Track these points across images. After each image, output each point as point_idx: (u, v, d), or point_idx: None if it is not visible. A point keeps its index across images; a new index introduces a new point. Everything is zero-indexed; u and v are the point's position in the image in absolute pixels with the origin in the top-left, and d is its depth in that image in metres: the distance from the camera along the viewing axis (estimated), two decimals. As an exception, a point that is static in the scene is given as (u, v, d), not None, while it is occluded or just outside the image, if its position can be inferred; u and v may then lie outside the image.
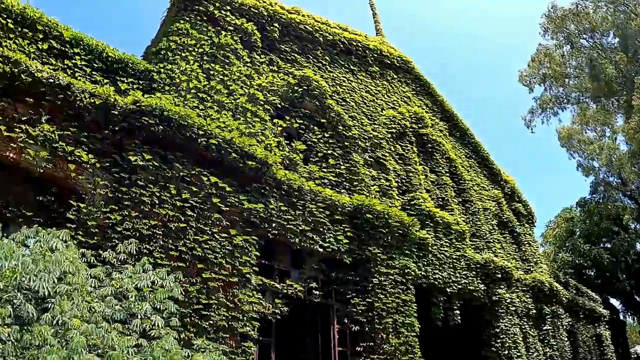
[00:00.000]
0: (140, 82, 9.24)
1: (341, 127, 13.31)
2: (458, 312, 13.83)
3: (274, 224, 9.57)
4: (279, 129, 11.68)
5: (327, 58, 14.46)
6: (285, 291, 9.98)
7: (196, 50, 10.36)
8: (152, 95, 8.37)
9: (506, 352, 14.44)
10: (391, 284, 11.61)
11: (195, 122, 8.11)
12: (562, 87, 23.04)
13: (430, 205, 14.37)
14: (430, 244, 13.54)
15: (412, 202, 14.13)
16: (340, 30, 15.11)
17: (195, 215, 8.01)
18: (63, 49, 8.78)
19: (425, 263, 13.24)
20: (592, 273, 27.26)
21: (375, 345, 10.83)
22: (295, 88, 12.57)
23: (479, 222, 16.56)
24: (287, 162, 11.53)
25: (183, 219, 7.78)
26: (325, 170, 12.42)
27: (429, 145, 16.24)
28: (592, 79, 20.80)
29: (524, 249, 18.48)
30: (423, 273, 13.01)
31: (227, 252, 8.29)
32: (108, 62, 9.19)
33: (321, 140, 12.70)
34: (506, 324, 14.89)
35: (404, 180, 14.59)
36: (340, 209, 11.35)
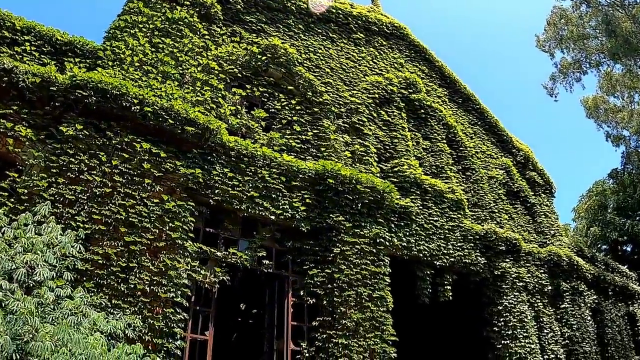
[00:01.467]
0: (87, 61, 9.19)
1: (311, 94, 11.88)
2: (449, 287, 11.88)
3: (217, 190, 8.62)
4: (237, 97, 10.63)
5: (301, 27, 13.11)
6: (229, 260, 8.78)
7: (147, 26, 9.90)
8: (94, 72, 8.17)
9: (510, 331, 12.26)
10: (357, 254, 9.95)
11: (130, 92, 7.85)
12: (581, 50, 19.90)
13: (417, 172, 12.45)
14: (414, 213, 11.66)
15: (395, 169, 12.28)
16: (318, -5, 13.54)
17: (124, 181, 7.67)
18: (14, 37, 8.96)
19: (408, 233, 11.39)
20: (629, 248, 23.69)
21: (334, 320, 9.23)
22: (259, 57, 11.46)
23: (481, 192, 14.36)
24: (245, 130, 10.47)
25: (110, 184, 7.52)
26: (288, 136, 11.00)
27: (422, 111, 14.26)
28: (608, 35, 17.66)
29: (539, 221, 15.97)
30: (404, 244, 11.19)
31: (156, 217, 7.72)
32: (57, 46, 9.32)
33: (286, 108, 11.39)
34: (511, 301, 12.68)
35: (387, 147, 12.80)
36: (300, 175, 9.94)
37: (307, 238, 9.81)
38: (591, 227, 23.59)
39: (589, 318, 14.86)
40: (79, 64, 8.97)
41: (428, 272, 11.54)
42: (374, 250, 10.26)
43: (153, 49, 9.55)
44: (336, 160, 11.14)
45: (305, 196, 9.85)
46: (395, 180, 12.13)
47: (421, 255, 11.43)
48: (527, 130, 62.01)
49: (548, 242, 15.63)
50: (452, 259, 12.07)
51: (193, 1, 10.85)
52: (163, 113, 8.07)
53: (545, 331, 13.69)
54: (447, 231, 12.30)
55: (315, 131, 11.48)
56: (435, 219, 12.20)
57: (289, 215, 9.50)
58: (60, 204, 7.08)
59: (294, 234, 9.72)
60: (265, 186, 9.33)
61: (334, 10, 13.98)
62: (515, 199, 15.72)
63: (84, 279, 6.72)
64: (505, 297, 12.66)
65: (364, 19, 14.73)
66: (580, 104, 22.80)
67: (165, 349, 7.23)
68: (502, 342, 12.15)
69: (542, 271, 14.44)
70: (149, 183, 7.77)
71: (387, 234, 10.73)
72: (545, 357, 13.37)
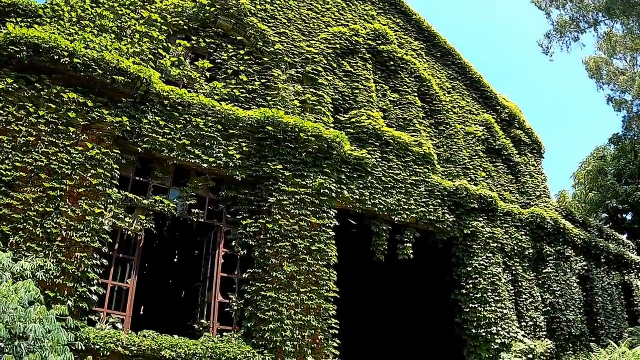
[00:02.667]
0: (28, 20, 8.63)
1: (262, 44, 10.68)
2: (409, 244, 10.45)
3: (146, 139, 7.93)
4: (180, 48, 9.69)
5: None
6: (156, 208, 7.93)
7: None
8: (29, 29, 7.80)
9: (479, 294, 10.78)
10: (296, 205, 8.70)
11: (61, 45, 7.52)
12: (579, 8, 17.59)
13: (378, 124, 10.98)
14: (370, 165, 10.24)
15: (353, 120, 10.83)
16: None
17: (49, 130, 7.31)
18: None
19: (362, 185, 10.00)
20: (629, 217, 21.39)
21: (264, 273, 8.03)
22: (207, 8, 10.28)
23: (454, 147, 12.77)
24: (187, 80, 9.53)
25: (35, 133, 7.21)
26: (233, 86, 9.88)
27: (391, 63, 12.73)
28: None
29: (523, 181, 14.23)
30: (356, 197, 9.80)
31: (78, 164, 7.25)
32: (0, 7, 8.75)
33: (234, 58, 10.26)
34: (482, 262, 11.17)
35: (347, 98, 11.37)
36: (239, 124, 8.90)
37: (243, 187, 8.74)
38: (590, 193, 21.38)
39: (575, 285, 13.18)
40: (20, 24, 8.32)
41: (384, 228, 10.16)
42: (317, 201, 8.97)
43: (93, 4, 9.01)
44: (283, 109, 9.81)
45: (243, 144, 8.82)
46: (351, 131, 10.74)
47: (376, 209, 10.04)
48: (525, 94, 57.82)
49: (532, 203, 13.90)
50: (415, 215, 10.62)
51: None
52: (93, 64, 7.68)
53: (524, 296, 12.13)
54: (409, 185, 10.84)
55: (263, 80, 10.29)
56: (396, 172, 10.75)
57: (223, 163, 8.51)
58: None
59: (229, 183, 8.66)
60: (199, 134, 8.47)
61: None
62: (497, 157, 14.02)
63: (3, 223, 6.55)
64: (475, 258, 11.15)
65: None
66: (581, 64, 20.62)
67: (78, 293, 6.67)
68: (470, 305, 10.71)
69: (522, 233, 12.80)
70: (74, 132, 7.41)
71: (334, 185, 9.39)
72: (523, 323, 11.83)
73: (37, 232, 6.66)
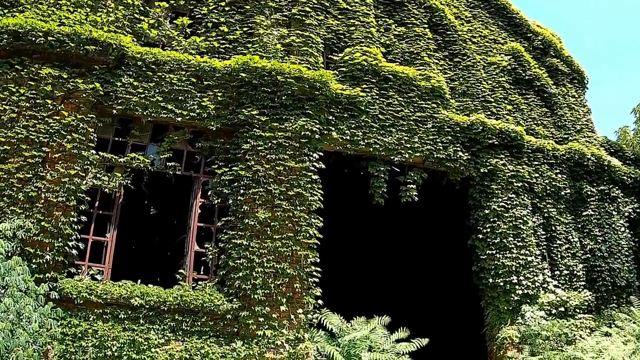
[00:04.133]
0: (13, 10, 8.48)
1: None
2: (413, 186, 9.00)
3: (120, 100, 7.61)
4: (159, 10, 9.02)
5: None
6: (134, 165, 7.59)
7: None
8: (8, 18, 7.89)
9: (498, 239, 9.10)
10: (271, 150, 7.67)
11: (37, 27, 7.53)
12: None
13: (374, 59, 9.37)
14: (364, 103, 8.78)
15: (346, 58, 9.31)
16: None
17: (29, 105, 7.32)
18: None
19: (354, 125, 8.63)
20: None
21: (237, 220, 7.16)
22: None
23: (472, 79, 10.70)
24: (166, 40, 8.93)
25: (17, 110, 7.25)
26: (212, 39, 8.97)
27: (396, -8, 10.79)
28: None
29: (560, 114, 11.77)
30: (347, 137, 8.49)
31: (54, 132, 7.23)
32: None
33: (214, 11, 9.28)
34: (502, 204, 9.42)
35: (342, 37, 9.81)
36: (216, 75, 8.13)
37: (219, 137, 8.03)
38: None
39: (623, 229, 10.85)
40: (7, 15, 8.28)
41: (382, 169, 8.77)
42: (297, 145, 7.83)
43: None
44: (265, 55, 8.64)
45: (219, 95, 8.07)
46: (344, 69, 9.24)
47: (371, 149, 8.67)
48: (592, 16, 48.90)
49: (571, 138, 11.48)
50: (419, 154, 9.10)
51: None
52: (66, 39, 7.62)
53: (559, 242, 10.19)
54: (413, 122, 9.26)
55: (245, 29, 9.24)
56: (397, 109, 9.20)
57: (197, 115, 7.88)
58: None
59: (207, 135, 7.98)
60: (172, 90, 7.95)
61: None
62: (528, 89, 11.67)
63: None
64: (494, 200, 9.43)
65: None
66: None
67: (56, 248, 6.64)
68: (487, 252, 9.13)
69: (558, 171, 10.66)
70: (52, 103, 7.41)
71: (319, 126, 8.18)
72: (557, 272, 9.96)
73: (19, 197, 6.84)
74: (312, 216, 7.64)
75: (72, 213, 6.93)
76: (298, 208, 7.48)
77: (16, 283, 5.59)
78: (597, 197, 10.90)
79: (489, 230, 9.30)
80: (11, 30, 7.52)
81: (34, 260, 6.44)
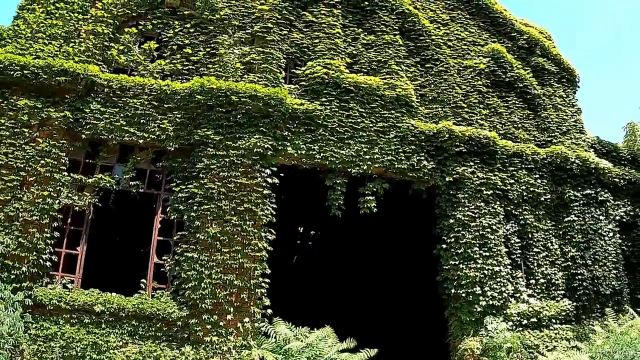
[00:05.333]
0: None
1: (208, 12, 10.16)
2: (372, 197, 9.44)
3: (88, 126, 8.61)
4: (127, 36, 9.84)
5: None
6: (102, 185, 8.61)
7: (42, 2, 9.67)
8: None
9: (461, 250, 9.32)
10: (224, 168, 8.44)
11: (14, 61, 8.43)
12: None
13: (338, 72, 9.85)
14: (321, 117, 9.33)
15: (307, 72, 9.87)
16: None
17: (8, 134, 8.26)
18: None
19: (310, 139, 9.19)
20: None
21: (190, 235, 8.02)
22: None
23: (443, 85, 10.87)
24: (134, 65, 9.78)
25: None
26: (177, 61, 9.76)
27: (366, 3, 11.14)
28: None
29: (544, 115, 11.59)
30: (303, 152, 9.08)
31: (30, 157, 8.20)
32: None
33: (180, 33, 10.04)
34: (469, 213, 9.59)
35: (306, 50, 10.32)
36: (176, 97, 8.95)
37: (178, 156, 8.84)
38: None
39: (611, 234, 10.62)
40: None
41: (339, 182, 9.26)
42: (249, 162, 8.52)
43: (47, 17, 9.55)
44: (224, 74, 9.40)
45: (177, 116, 8.88)
46: (305, 84, 9.80)
47: (327, 162, 9.17)
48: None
49: (555, 140, 11.33)
50: (379, 165, 9.47)
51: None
52: (40, 71, 8.49)
53: (535, 250, 10.23)
54: (374, 133, 9.66)
55: (208, 49, 9.90)
56: (357, 120, 9.63)
57: (156, 137, 8.73)
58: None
59: (167, 155, 8.82)
60: (135, 114, 8.86)
61: None
62: (508, 91, 11.58)
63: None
64: (460, 209, 9.62)
65: None
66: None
67: (31, 261, 7.71)
68: (451, 262, 9.35)
69: (537, 176, 10.64)
70: (28, 131, 8.32)
71: (272, 142, 8.80)
72: (532, 281, 10.04)
73: (0, 217, 7.88)
74: (263, 230, 8.29)
75: (46, 230, 7.91)
76: (247, 223, 8.16)
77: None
78: (581, 201, 10.73)
79: (453, 240, 9.51)
80: None
81: (12, 272, 7.51)
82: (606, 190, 10.96)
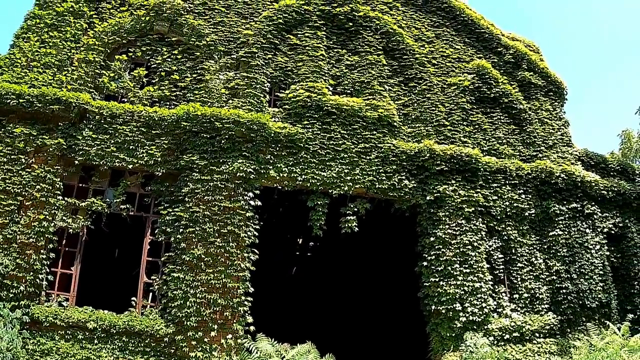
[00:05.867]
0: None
1: (194, 39, 10.79)
2: (353, 217, 9.89)
3: (81, 152, 9.24)
4: (118, 63, 10.44)
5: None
6: (94, 208, 9.25)
7: (39, 26, 10.20)
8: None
9: (442, 267, 9.66)
10: (209, 192, 9.02)
11: (10, 90, 8.99)
12: None
13: (320, 95, 10.36)
14: (303, 140, 9.85)
15: (290, 95, 10.42)
16: None
17: (5, 160, 8.85)
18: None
19: (292, 162, 9.71)
20: None
21: (176, 256, 8.66)
22: (143, 18, 10.70)
23: (426, 104, 11.25)
24: (124, 91, 10.40)
25: None
26: (165, 87, 10.39)
27: (350, 24, 11.64)
28: None
29: (529, 130, 11.82)
30: (285, 174, 9.60)
31: (26, 183, 8.81)
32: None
33: (168, 59, 10.65)
34: (449, 231, 9.94)
35: (290, 73, 10.86)
36: (164, 123, 9.59)
37: (165, 181, 9.45)
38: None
39: (597, 247, 10.76)
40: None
41: (320, 202, 9.74)
42: (232, 186, 9.10)
43: (41, 45, 10.10)
44: (209, 100, 10.02)
45: (165, 142, 9.49)
46: (288, 107, 10.33)
47: (309, 184, 9.66)
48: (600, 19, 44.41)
49: (541, 155, 11.54)
50: (360, 186, 9.92)
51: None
52: (34, 100, 9.07)
53: (519, 265, 10.48)
54: (355, 155, 10.11)
55: (195, 75, 10.51)
56: (339, 142, 10.11)
57: (144, 162, 9.34)
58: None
59: (156, 179, 9.42)
60: (125, 140, 9.45)
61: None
62: (493, 107, 11.86)
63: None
64: (440, 227, 9.95)
65: None
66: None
67: (28, 280, 8.40)
68: (431, 279, 9.69)
69: (521, 191, 10.90)
70: (24, 158, 8.94)
71: (255, 166, 9.36)
72: (516, 295, 10.30)
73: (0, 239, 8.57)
74: (245, 250, 8.83)
75: (42, 251, 8.50)
76: (231, 244, 8.71)
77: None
78: (567, 215, 10.93)
79: (433, 257, 9.83)
80: None
81: (11, 291, 8.10)
82: (593, 203, 11.11)
